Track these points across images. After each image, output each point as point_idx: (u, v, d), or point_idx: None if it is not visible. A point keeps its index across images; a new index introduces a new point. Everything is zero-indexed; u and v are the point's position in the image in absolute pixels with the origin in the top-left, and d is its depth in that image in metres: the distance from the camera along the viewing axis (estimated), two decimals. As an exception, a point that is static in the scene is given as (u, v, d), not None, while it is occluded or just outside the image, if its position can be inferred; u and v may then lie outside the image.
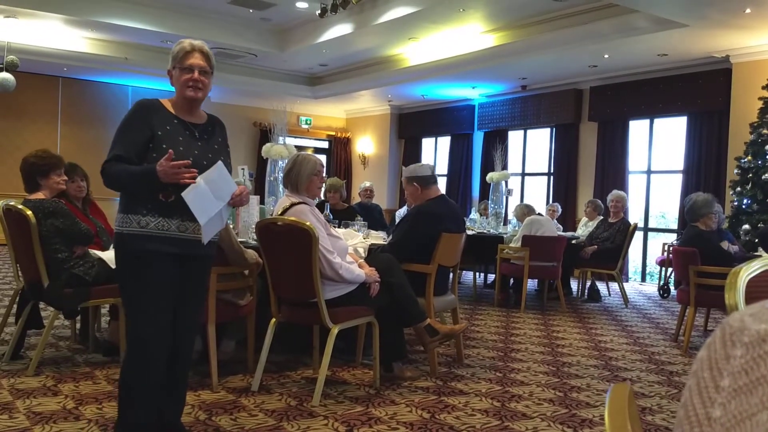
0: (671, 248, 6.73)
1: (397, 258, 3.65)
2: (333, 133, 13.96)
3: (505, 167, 8.01)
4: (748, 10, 6.36)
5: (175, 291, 2.42)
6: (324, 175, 3.62)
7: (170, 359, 2.45)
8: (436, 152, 12.89)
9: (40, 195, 3.68)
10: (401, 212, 8.32)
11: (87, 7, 8.34)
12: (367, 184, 7.93)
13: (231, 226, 3.57)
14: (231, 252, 3.38)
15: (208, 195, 2.34)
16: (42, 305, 4.12)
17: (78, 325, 4.43)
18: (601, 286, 7.88)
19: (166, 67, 2.53)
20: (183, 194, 2.29)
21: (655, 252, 9.03)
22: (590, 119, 9.84)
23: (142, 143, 2.35)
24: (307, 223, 3.13)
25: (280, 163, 5.38)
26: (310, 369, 3.79)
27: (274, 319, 3.40)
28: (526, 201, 10.43)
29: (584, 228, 7.91)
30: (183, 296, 2.46)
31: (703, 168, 8.48)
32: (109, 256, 3.83)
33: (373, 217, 6.75)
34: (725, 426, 0.46)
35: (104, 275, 3.70)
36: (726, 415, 0.47)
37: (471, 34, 8.78)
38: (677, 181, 8.90)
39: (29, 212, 3.47)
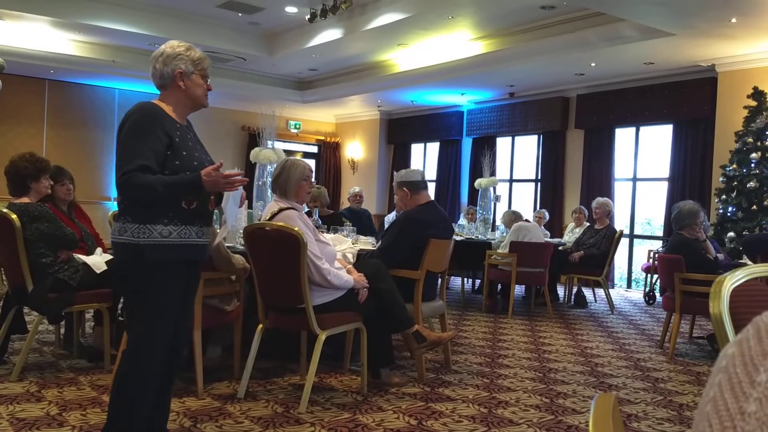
0: (657, 255, 6.78)
1: (385, 263, 3.65)
2: (322, 138, 13.94)
3: (493, 173, 8.05)
4: (733, 20, 6.44)
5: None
6: (313, 180, 3.61)
7: (165, 364, 2.43)
8: (425, 158, 12.91)
9: (25, 199, 3.64)
10: (390, 218, 8.31)
11: (74, 9, 8.29)
12: (357, 189, 7.93)
13: (218, 231, 3.56)
14: (218, 257, 3.36)
15: (231, 201, 2.46)
16: (26, 310, 4.08)
17: (62, 330, 4.39)
18: (588, 293, 7.92)
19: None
20: (223, 204, 2.40)
21: (641, 259, 9.09)
22: (577, 127, 9.91)
23: (162, 151, 2.29)
24: (296, 229, 3.12)
25: (269, 167, 5.37)
26: (297, 375, 3.78)
27: (261, 325, 3.39)
28: (513, 207, 10.48)
29: (571, 234, 7.96)
30: (185, 301, 2.47)
31: (688, 176, 8.56)
32: (93, 260, 3.80)
33: (362, 223, 6.75)
34: (761, 420, 0.48)
35: (89, 280, 3.68)
36: (762, 410, 0.48)
37: (460, 41, 8.82)
38: (663, 188, 8.98)
39: (14, 216, 3.44)
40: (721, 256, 5.39)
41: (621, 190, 9.52)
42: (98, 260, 3.83)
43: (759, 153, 6.92)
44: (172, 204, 2.29)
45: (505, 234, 7.02)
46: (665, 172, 8.91)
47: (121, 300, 3.88)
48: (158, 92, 2.49)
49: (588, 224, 7.69)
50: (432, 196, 4.29)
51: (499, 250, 6.69)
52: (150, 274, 2.31)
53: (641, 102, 9.00)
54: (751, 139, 7.01)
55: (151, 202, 2.26)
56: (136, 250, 2.28)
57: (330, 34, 8.72)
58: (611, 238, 7.14)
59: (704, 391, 0.55)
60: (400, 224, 3.99)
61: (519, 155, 11.19)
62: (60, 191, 4.06)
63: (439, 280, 4.26)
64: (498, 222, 8.39)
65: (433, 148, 12.61)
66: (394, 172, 4.28)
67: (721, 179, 7.27)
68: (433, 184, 12.20)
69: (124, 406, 2.34)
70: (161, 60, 2.41)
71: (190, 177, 2.28)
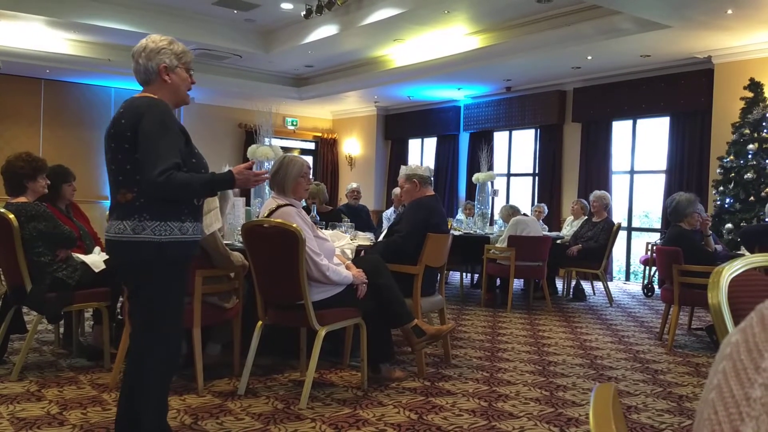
0: (655, 247, 6.79)
1: (409, 249, 3.79)
2: (319, 134, 13.93)
3: (490, 168, 8.04)
4: (729, 11, 6.44)
5: None
6: (311, 176, 3.61)
7: None
8: (422, 153, 12.90)
9: (22, 198, 3.64)
10: (388, 213, 8.31)
11: (69, 8, 8.26)
12: (354, 185, 7.92)
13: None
14: (216, 255, 3.36)
15: (231, 196, 2.58)
16: (25, 310, 4.07)
17: (61, 330, 4.38)
18: (586, 286, 7.93)
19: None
20: (221, 201, 2.57)
21: (639, 251, 9.10)
22: (574, 120, 9.90)
23: (183, 149, 2.30)
24: (294, 225, 3.12)
25: (266, 164, 5.36)
26: (297, 372, 3.79)
27: (260, 322, 3.39)
28: (511, 201, 10.49)
29: (569, 228, 7.96)
30: None
31: (685, 168, 8.56)
32: (92, 259, 3.80)
33: (361, 219, 6.75)
34: (767, 406, 0.48)
35: (87, 279, 3.67)
36: (767, 395, 0.48)
37: (456, 36, 8.80)
38: (660, 180, 8.98)
39: (11, 216, 3.43)
40: (719, 247, 5.40)
41: (618, 183, 9.53)
42: (97, 259, 3.82)
43: (756, 144, 6.92)
44: (188, 201, 2.32)
45: (503, 228, 7.02)
46: (662, 165, 8.92)
47: (120, 299, 3.89)
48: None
49: (586, 217, 7.70)
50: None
51: (497, 245, 6.69)
52: (170, 271, 2.32)
53: (638, 95, 9.00)
54: (747, 131, 7.01)
55: (186, 200, 2.30)
56: (156, 248, 2.25)
57: (326, 30, 8.70)
58: (609, 231, 7.15)
59: (708, 379, 0.55)
60: (413, 209, 4.10)
61: (516, 149, 11.18)
62: (67, 191, 4.12)
63: (438, 275, 4.27)
64: (496, 216, 8.39)
65: (431, 143, 12.60)
66: (402, 166, 4.49)
67: (718, 171, 7.28)
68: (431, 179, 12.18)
69: (153, 403, 2.35)
70: (144, 55, 2.37)
71: (224, 175, 2.35)
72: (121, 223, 2.26)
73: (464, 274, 8.09)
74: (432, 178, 4.34)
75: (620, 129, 9.54)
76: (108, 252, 2.40)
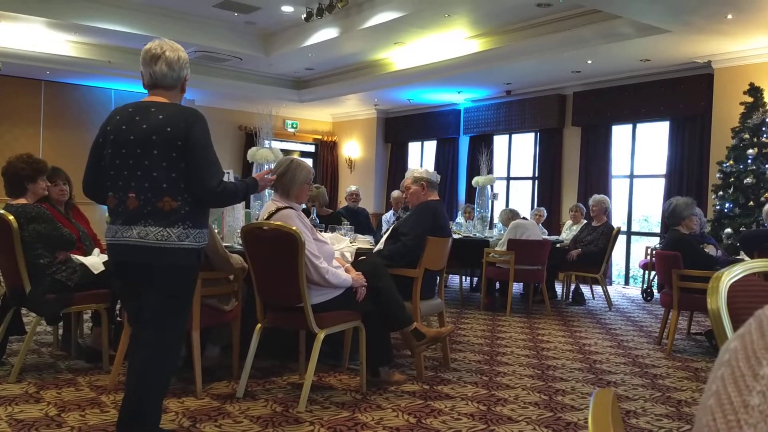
0: (654, 252, 6.79)
1: (417, 251, 3.80)
2: (319, 137, 13.94)
3: (490, 171, 8.04)
4: (729, 16, 6.45)
5: None
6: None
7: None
8: (422, 156, 12.91)
9: (22, 200, 3.64)
10: (388, 216, 8.32)
11: (70, 10, 8.27)
12: (354, 188, 7.92)
13: (216, 231, 3.55)
14: (216, 257, 3.35)
15: None
16: (24, 311, 4.07)
17: (60, 331, 4.38)
18: (585, 290, 7.93)
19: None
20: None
21: (639, 255, 9.10)
22: (574, 124, 9.91)
23: None
24: (294, 228, 3.12)
25: (266, 166, 5.36)
26: (295, 374, 3.78)
27: (259, 325, 3.39)
28: (511, 205, 10.49)
29: (568, 232, 7.96)
30: None
31: (685, 172, 8.57)
32: (91, 261, 3.79)
33: (360, 222, 6.75)
34: (764, 413, 0.48)
35: (86, 281, 3.67)
36: (765, 403, 0.48)
37: (456, 40, 8.82)
38: (660, 185, 8.99)
39: (11, 217, 3.43)
40: (719, 252, 5.40)
41: (618, 187, 9.53)
42: (96, 261, 3.82)
43: (755, 149, 6.94)
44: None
45: (502, 232, 7.02)
46: (662, 169, 8.92)
47: (119, 302, 3.88)
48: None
49: (585, 221, 7.70)
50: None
51: (497, 248, 6.69)
52: (196, 276, 2.53)
53: (638, 99, 9.01)
54: (747, 135, 7.02)
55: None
56: (196, 254, 2.42)
57: (326, 33, 8.72)
58: (609, 235, 7.15)
59: (707, 385, 0.55)
60: (421, 213, 4.11)
61: (516, 153, 11.19)
62: (53, 192, 4.04)
63: (438, 278, 4.27)
64: (496, 220, 8.39)
65: (431, 146, 12.61)
66: (411, 168, 4.58)
67: (717, 175, 7.28)
68: (431, 182, 12.19)
69: (159, 403, 2.47)
70: (181, 64, 2.49)
71: (252, 182, 2.63)
72: (165, 230, 2.34)
73: (464, 277, 8.09)
74: (438, 183, 4.38)
75: (620, 133, 9.55)
76: (135, 256, 2.37)
